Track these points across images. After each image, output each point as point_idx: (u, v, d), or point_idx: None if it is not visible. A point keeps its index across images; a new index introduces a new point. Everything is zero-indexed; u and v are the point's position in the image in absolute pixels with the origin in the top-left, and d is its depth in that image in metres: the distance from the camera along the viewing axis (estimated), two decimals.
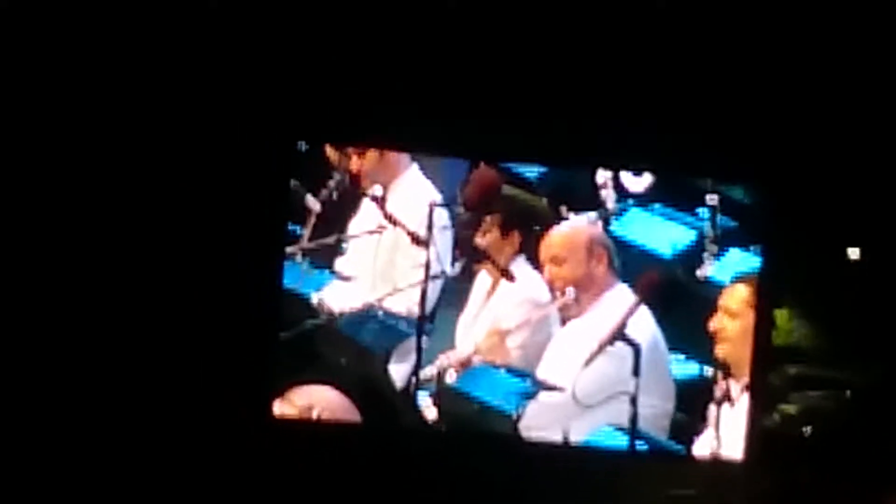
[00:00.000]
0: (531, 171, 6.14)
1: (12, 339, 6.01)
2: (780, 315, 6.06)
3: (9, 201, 6.06)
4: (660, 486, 5.89)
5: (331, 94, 6.06)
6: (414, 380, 5.98)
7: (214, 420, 5.94)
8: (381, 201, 6.11)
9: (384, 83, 6.05)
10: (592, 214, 5.99)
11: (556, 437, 5.87)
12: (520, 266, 6.01)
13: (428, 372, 5.96)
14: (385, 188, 6.13)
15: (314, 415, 5.94)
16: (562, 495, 5.89)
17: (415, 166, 6.16)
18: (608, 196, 6.03)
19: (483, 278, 6.08)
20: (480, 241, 6.03)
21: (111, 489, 5.88)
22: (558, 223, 5.97)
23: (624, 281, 5.90)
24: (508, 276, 6.00)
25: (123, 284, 6.05)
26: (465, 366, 5.95)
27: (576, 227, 5.95)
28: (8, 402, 5.96)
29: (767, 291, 5.90)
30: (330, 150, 6.18)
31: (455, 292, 6.10)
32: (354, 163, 6.14)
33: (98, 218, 6.07)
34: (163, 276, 6.05)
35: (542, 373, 5.89)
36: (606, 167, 6.03)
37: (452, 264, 6.07)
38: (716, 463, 5.85)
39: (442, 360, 5.97)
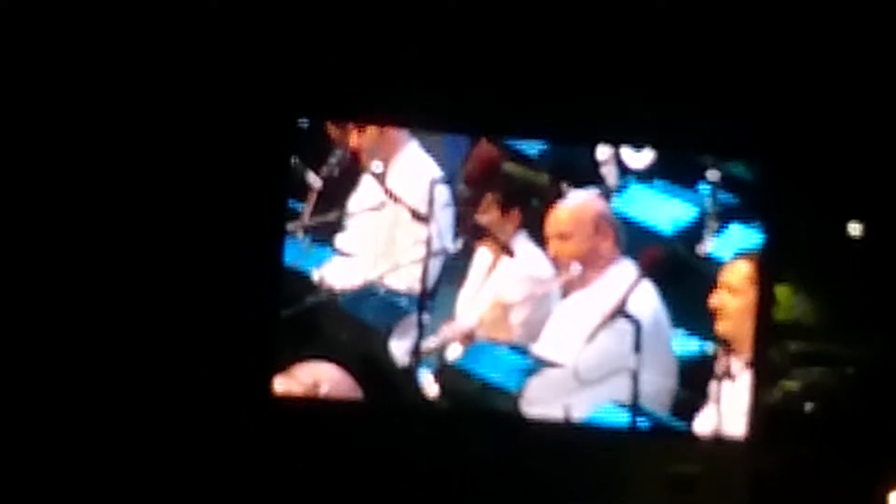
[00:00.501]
0: (532, 148, 6.13)
1: (18, 331, 6.01)
2: (782, 291, 6.05)
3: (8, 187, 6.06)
4: (661, 462, 5.89)
5: (332, 71, 6.04)
6: (415, 356, 5.98)
7: (216, 398, 5.94)
8: (381, 178, 6.11)
9: (385, 60, 6.03)
10: (594, 190, 5.98)
11: (558, 414, 5.86)
12: (521, 242, 6.00)
13: (431, 342, 5.96)
14: (385, 164, 6.12)
15: (321, 392, 5.94)
16: (563, 472, 5.89)
17: (414, 143, 6.15)
18: (609, 172, 6.03)
19: (484, 255, 6.07)
20: (481, 217, 6.02)
21: (114, 472, 5.89)
22: (560, 199, 5.96)
23: (628, 257, 5.90)
24: (509, 252, 5.99)
25: (125, 262, 6.04)
26: (468, 339, 5.94)
27: (583, 202, 5.93)
28: (13, 392, 5.97)
29: (769, 267, 5.89)
30: (331, 127, 6.17)
31: (456, 269, 6.09)
32: (354, 139, 6.14)
33: (101, 197, 6.06)
34: (164, 253, 6.04)
35: (543, 349, 5.88)
36: (607, 143, 6.02)
37: (453, 241, 6.06)
38: (717, 439, 5.84)
39: (445, 331, 5.97)
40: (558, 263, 5.90)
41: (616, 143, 6.01)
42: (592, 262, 5.88)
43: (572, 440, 5.89)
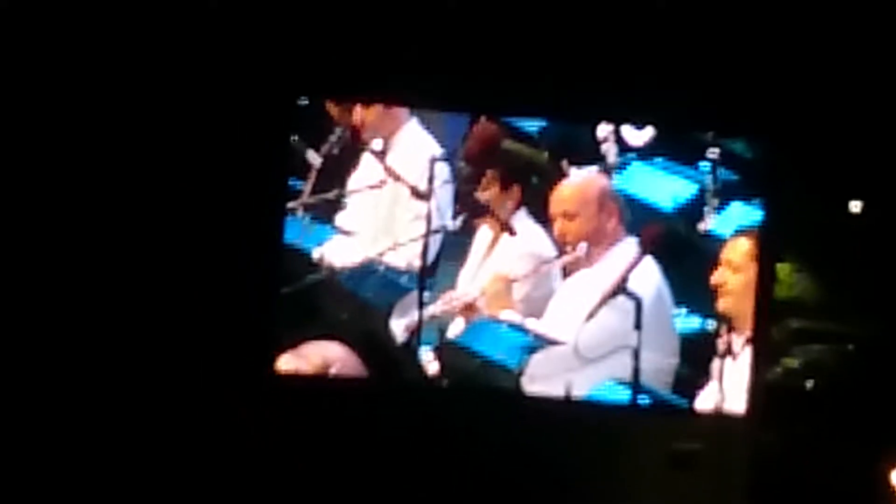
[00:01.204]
0: (532, 125, 6.12)
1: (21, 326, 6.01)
2: (783, 268, 6.05)
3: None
4: (662, 439, 5.89)
5: (331, 49, 6.03)
6: (416, 333, 5.98)
7: (218, 376, 5.93)
8: (381, 155, 6.10)
9: (385, 38, 6.02)
10: (594, 168, 5.97)
11: (559, 392, 5.86)
12: (521, 220, 5.99)
13: (433, 310, 5.95)
14: (385, 142, 6.12)
15: (331, 372, 5.94)
16: (565, 449, 5.89)
17: (414, 120, 6.14)
18: (609, 150, 6.02)
19: (484, 233, 6.07)
20: (481, 195, 6.01)
21: (122, 457, 5.92)
22: (559, 177, 5.94)
23: (632, 235, 5.89)
24: (510, 230, 5.98)
25: (126, 243, 6.03)
26: (470, 310, 5.93)
27: (587, 180, 5.92)
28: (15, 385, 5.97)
29: (769, 245, 5.89)
30: (330, 105, 6.16)
31: (456, 246, 6.08)
32: (354, 117, 6.12)
33: (103, 176, 6.05)
34: (166, 233, 6.03)
35: (544, 326, 5.88)
36: (608, 121, 6.01)
37: (453, 218, 6.05)
38: (718, 417, 5.84)
39: (448, 299, 5.96)
40: (564, 242, 5.89)
41: (617, 121, 6.00)
42: (598, 241, 5.87)
43: (574, 417, 5.89)
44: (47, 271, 6.03)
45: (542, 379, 5.88)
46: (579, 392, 5.87)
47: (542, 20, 5.98)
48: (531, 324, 5.89)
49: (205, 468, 5.88)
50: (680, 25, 5.95)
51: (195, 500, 5.90)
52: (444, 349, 5.96)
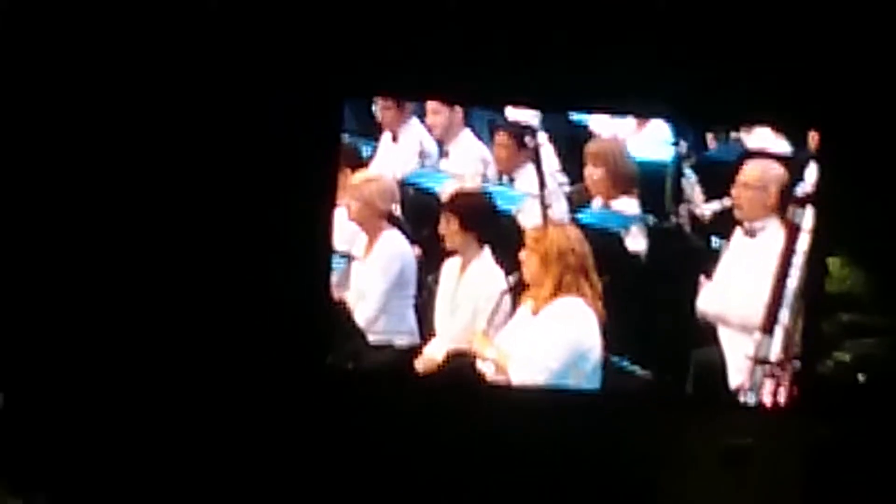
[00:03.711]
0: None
1: (64, 311, 6.07)
2: (834, 262, 6.04)
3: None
4: (715, 435, 5.91)
5: (381, 49, 6.01)
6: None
7: (272, 369, 5.99)
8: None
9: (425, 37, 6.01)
10: None
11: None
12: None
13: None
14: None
15: None
16: (615, 446, 5.92)
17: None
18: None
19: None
20: None
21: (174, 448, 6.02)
22: None
23: None
24: None
25: (180, 243, 6.07)
26: None
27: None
28: (60, 363, 6.04)
29: (821, 239, 5.88)
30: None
31: None
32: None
33: (158, 172, 6.08)
34: (217, 233, 6.06)
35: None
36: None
37: None
38: (770, 411, 5.85)
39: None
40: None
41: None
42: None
43: (622, 413, 5.90)
44: (104, 271, 6.09)
45: None
46: None
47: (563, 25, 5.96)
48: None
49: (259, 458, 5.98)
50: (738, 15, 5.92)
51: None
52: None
